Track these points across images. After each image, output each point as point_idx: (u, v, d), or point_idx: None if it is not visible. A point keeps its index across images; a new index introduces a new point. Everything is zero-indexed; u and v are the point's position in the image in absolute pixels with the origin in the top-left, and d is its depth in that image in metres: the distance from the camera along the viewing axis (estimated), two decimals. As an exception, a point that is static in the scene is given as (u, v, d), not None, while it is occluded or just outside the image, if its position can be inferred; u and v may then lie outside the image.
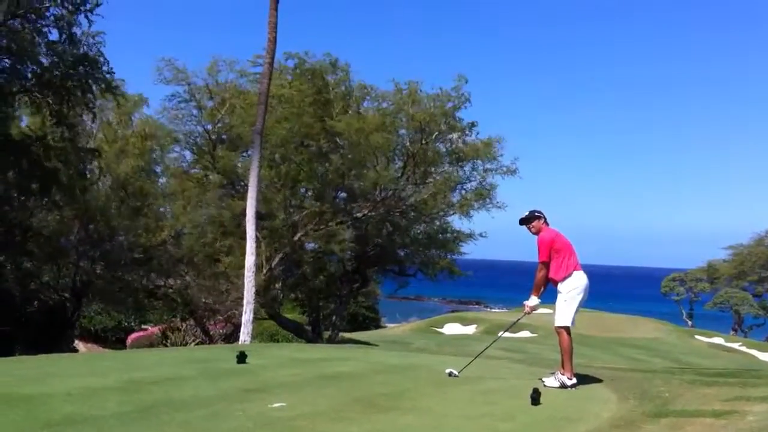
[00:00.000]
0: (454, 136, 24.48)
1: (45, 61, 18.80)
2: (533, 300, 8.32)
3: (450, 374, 8.66)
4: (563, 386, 7.83)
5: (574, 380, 7.99)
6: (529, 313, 8.54)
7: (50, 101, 19.05)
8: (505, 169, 25.18)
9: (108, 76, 19.39)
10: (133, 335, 29.57)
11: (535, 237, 8.29)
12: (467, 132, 24.54)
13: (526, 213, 8.41)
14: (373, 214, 24.33)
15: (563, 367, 8.04)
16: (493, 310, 76.21)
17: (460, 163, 25.27)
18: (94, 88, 19.40)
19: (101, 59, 19.06)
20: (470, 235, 26.70)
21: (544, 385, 7.58)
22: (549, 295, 8.38)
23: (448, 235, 27.08)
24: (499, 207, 25.70)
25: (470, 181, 25.63)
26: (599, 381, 8.55)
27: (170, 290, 26.36)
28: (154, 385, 7.72)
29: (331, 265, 28.18)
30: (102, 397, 7.01)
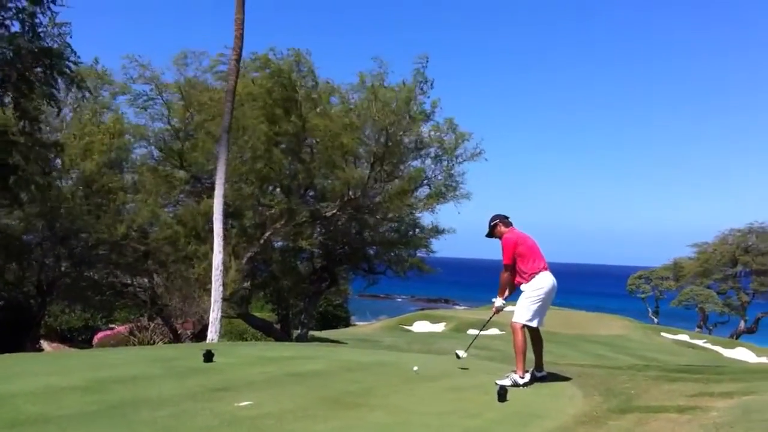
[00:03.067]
0: (422, 129, 24.37)
1: (7, 53, 18.39)
2: (498, 301, 8.35)
3: (458, 356, 8.91)
4: (515, 384, 7.79)
5: (527, 378, 7.97)
6: (496, 314, 8.57)
7: (11, 95, 18.63)
8: (470, 154, 24.91)
9: (74, 66, 18.99)
10: (100, 334, 29.20)
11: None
12: (431, 115, 24.28)
13: (487, 228, 8.47)
14: (341, 213, 24.28)
15: (516, 365, 8.05)
16: (461, 308, 76.57)
17: (423, 155, 25.12)
18: (59, 81, 19.02)
19: (66, 51, 18.69)
20: (439, 231, 26.68)
21: (496, 384, 7.58)
22: (517, 294, 8.43)
23: (417, 230, 27.01)
24: (466, 197, 25.50)
25: (436, 174, 25.43)
26: (565, 378, 8.61)
27: (138, 289, 26.10)
28: (119, 384, 7.65)
29: (300, 263, 28.09)
30: (66, 396, 6.92)
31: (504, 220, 8.42)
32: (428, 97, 23.70)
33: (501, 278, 8.27)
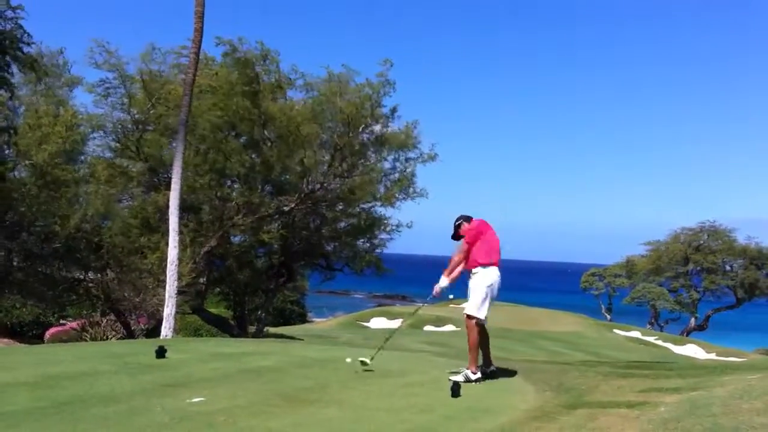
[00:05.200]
0: (378, 127, 24.51)
1: None
2: (444, 281, 8.38)
3: (363, 363, 8.72)
4: (468, 380, 7.87)
5: (479, 374, 8.06)
6: (437, 296, 8.53)
7: None
8: (426, 156, 25.28)
9: (28, 48, 18.57)
10: (52, 330, 28.71)
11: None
12: (390, 119, 24.59)
13: (453, 229, 8.55)
14: (300, 207, 24.17)
15: (469, 361, 8.11)
16: (419, 305, 76.86)
17: (382, 152, 25.22)
18: (12, 64, 18.60)
19: (20, 33, 18.28)
20: (397, 226, 26.75)
21: (449, 380, 7.65)
22: (457, 289, 8.51)
23: (374, 225, 26.98)
24: (422, 195, 25.86)
25: (394, 172, 25.67)
26: (517, 373, 8.70)
27: (90, 284, 25.65)
28: (69, 380, 7.54)
29: (257, 258, 27.89)
30: (14, 392, 6.81)
31: (468, 220, 8.51)
32: (390, 96, 23.89)
33: (452, 258, 8.36)
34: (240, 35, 23.31)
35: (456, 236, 8.54)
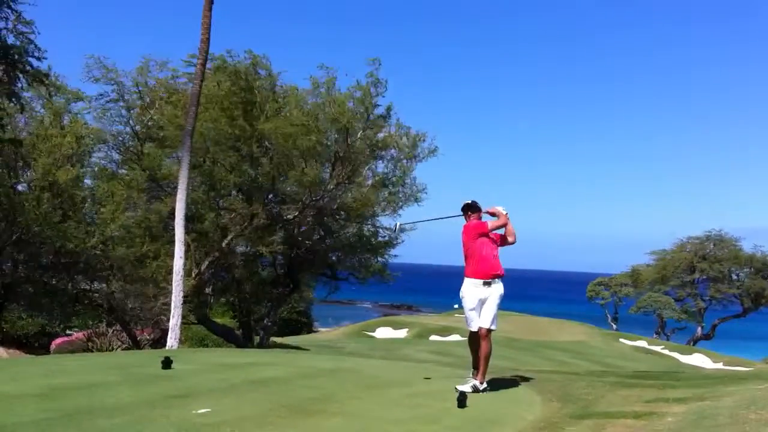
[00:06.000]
0: (380, 134, 24.45)
1: None
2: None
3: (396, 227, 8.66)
4: (476, 390, 7.87)
5: (485, 384, 8.06)
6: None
7: None
8: (426, 151, 25.19)
9: (37, 62, 18.74)
10: (57, 341, 28.73)
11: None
12: (386, 119, 24.41)
13: (474, 201, 8.48)
14: (303, 216, 24.15)
15: (478, 372, 8.10)
16: (424, 314, 76.77)
17: (381, 153, 25.11)
18: (21, 78, 18.75)
19: (30, 47, 18.44)
20: (402, 230, 26.58)
21: (456, 389, 7.62)
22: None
23: (380, 237, 26.93)
24: (423, 191, 25.77)
25: (395, 174, 25.59)
26: (524, 383, 8.69)
27: (96, 295, 25.68)
28: (75, 391, 7.53)
29: (262, 269, 27.88)
30: (20, 403, 6.80)
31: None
32: (383, 96, 23.79)
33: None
34: (230, 47, 23.48)
35: (469, 208, 8.43)
